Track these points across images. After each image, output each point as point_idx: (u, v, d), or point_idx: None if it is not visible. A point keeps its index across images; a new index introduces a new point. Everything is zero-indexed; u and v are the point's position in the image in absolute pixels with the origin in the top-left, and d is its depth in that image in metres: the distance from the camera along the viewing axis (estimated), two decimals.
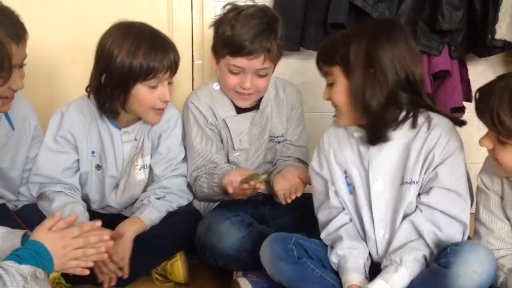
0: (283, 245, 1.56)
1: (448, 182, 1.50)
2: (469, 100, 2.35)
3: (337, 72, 1.53)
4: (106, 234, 1.40)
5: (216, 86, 2.00)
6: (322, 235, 1.63)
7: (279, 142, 2.04)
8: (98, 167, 1.92)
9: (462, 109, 2.32)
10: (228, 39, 1.83)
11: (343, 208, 1.62)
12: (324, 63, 1.58)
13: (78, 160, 1.89)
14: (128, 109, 1.83)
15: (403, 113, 1.52)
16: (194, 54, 2.39)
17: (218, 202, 1.99)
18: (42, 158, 1.87)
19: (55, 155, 1.87)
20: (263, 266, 1.62)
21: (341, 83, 1.53)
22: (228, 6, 1.91)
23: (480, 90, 1.42)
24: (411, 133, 1.54)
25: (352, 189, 1.60)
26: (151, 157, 1.94)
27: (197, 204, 2.05)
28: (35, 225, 1.37)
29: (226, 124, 1.97)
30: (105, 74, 1.77)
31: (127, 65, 1.73)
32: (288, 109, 2.04)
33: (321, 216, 1.65)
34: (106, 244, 1.39)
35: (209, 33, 2.31)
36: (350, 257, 1.55)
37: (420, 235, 1.50)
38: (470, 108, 2.35)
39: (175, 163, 1.96)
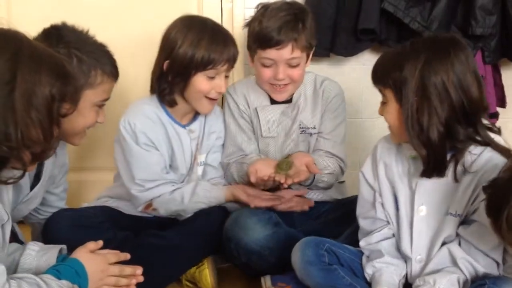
0: (314, 250, 1.55)
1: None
2: (503, 105, 2.32)
3: (389, 95, 1.48)
4: (140, 269, 1.44)
5: (254, 79, 2.08)
6: (362, 243, 1.61)
7: (311, 134, 2.04)
8: (169, 166, 1.97)
9: (495, 115, 2.28)
10: (257, 34, 1.91)
11: (388, 222, 1.59)
12: (376, 83, 1.53)
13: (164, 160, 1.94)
14: (186, 96, 1.88)
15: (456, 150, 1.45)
16: None
17: None
18: (139, 165, 1.89)
19: (150, 157, 1.89)
20: (285, 268, 1.63)
21: (393, 106, 1.47)
22: (260, 5, 1.98)
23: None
24: (466, 163, 1.46)
25: (396, 207, 1.58)
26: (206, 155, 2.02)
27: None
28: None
29: (257, 113, 2.03)
30: (168, 61, 1.84)
31: (189, 54, 1.81)
32: (324, 102, 2.05)
33: (363, 223, 1.63)
34: (137, 279, 1.43)
35: (239, 40, 2.34)
36: (386, 271, 1.53)
37: (456, 264, 1.46)
38: (503, 113, 2.32)
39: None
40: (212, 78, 1.84)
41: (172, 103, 1.91)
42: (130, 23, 2.12)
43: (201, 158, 2.01)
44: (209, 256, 1.88)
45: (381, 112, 1.54)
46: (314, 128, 2.05)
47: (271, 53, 1.90)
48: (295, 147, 2.04)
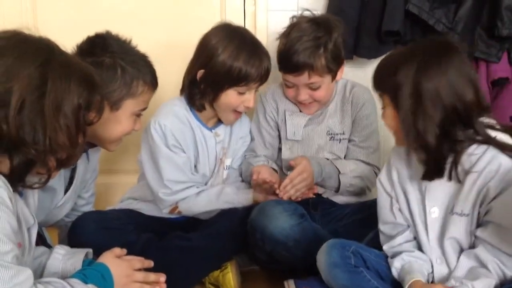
0: (340, 252, 1.54)
1: (503, 218, 1.41)
2: None
3: (387, 100, 1.49)
4: (163, 276, 1.45)
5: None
6: (385, 247, 1.60)
7: (340, 140, 2.05)
8: (194, 167, 1.98)
9: None
10: (279, 55, 1.95)
11: (408, 226, 1.58)
12: (375, 88, 1.55)
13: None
14: (214, 106, 1.90)
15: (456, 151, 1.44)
16: None
17: None
18: (168, 167, 1.89)
19: (178, 159, 1.90)
20: (311, 267, 1.62)
21: (391, 111, 1.48)
22: (294, 18, 1.99)
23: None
24: (468, 163, 1.45)
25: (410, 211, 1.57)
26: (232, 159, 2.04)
27: None
28: None
29: (285, 116, 2.05)
30: (203, 70, 1.84)
31: (227, 66, 1.80)
32: (353, 110, 2.05)
33: (384, 228, 1.62)
34: (161, 287, 1.44)
35: (262, 42, 2.33)
36: (416, 263, 1.52)
37: (485, 266, 1.43)
38: None
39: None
40: (242, 93, 1.86)
41: (200, 108, 1.93)
42: (152, 27, 2.13)
43: (228, 162, 2.02)
44: (233, 260, 1.88)
45: (382, 116, 1.54)
46: (343, 133, 2.06)
47: (289, 77, 1.94)
48: (318, 152, 2.05)
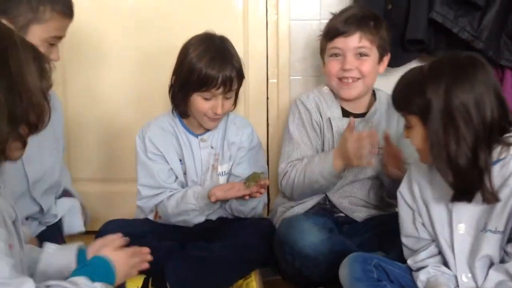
0: (362, 266, 1.52)
1: None
2: None
3: (415, 121, 1.44)
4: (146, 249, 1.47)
5: (326, 89, 2.05)
6: (409, 262, 1.57)
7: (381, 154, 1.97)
8: (184, 173, 1.99)
9: None
10: (327, 29, 1.98)
11: (433, 240, 1.55)
12: (399, 109, 1.50)
13: (172, 169, 1.97)
14: (189, 112, 1.92)
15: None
16: (268, 73, 2.40)
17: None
18: (143, 174, 1.96)
19: (153, 166, 1.95)
20: (334, 280, 1.59)
21: (419, 131, 1.44)
22: None
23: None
24: (500, 178, 1.41)
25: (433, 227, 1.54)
26: (230, 166, 2.00)
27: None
28: None
29: (331, 123, 1.99)
30: (175, 76, 1.90)
31: (190, 67, 1.82)
32: (399, 125, 1.97)
33: (407, 242, 1.60)
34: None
35: (284, 51, 2.35)
36: (442, 276, 1.49)
37: None
38: None
39: None
40: (208, 99, 1.86)
41: (183, 115, 1.96)
42: (175, 36, 2.10)
43: (223, 168, 2.00)
44: (257, 269, 1.87)
45: (407, 135, 1.50)
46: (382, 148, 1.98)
47: (339, 41, 1.91)
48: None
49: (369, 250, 1.68)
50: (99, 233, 1.83)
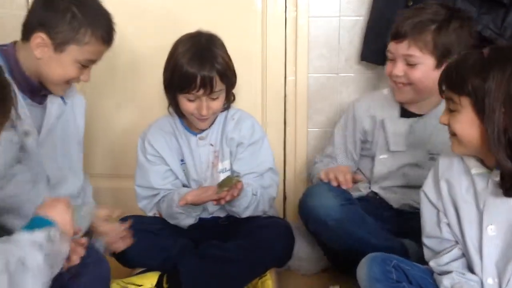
0: (381, 267, 1.48)
1: None
2: None
3: (465, 103, 1.36)
4: None
5: (386, 90, 2.03)
6: (432, 264, 1.51)
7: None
8: (186, 173, 2.00)
9: None
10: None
11: (456, 242, 1.50)
12: (448, 87, 1.42)
13: (171, 170, 1.97)
14: (182, 111, 1.91)
15: None
16: (286, 70, 2.38)
17: None
18: (139, 175, 1.99)
19: (149, 168, 1.97)
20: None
21: (468, 116, 1.36)
22: None
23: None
24: None
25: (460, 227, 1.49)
26: (231, 162, 1.98)
27: None
28: None
29: (384, 125, 1.98)
30: (164, 73, 1.89)
31: (174, 63, 1.81)
32: None
33: (429, 243, 1.54)
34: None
35: (302, 48, 2.32)
36: (467, 284, 1.43)
37: None
38: None
39: (259, 171, 1.96)
40: (192, 100, 1.84)
41: (179, 115, 1.95)
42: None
43: (224, 165, 1.98)
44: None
45: (447, 120, 1.43)
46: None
47: (392, 45, 1.87)
48: (411, 167, 1.96)
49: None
50: None
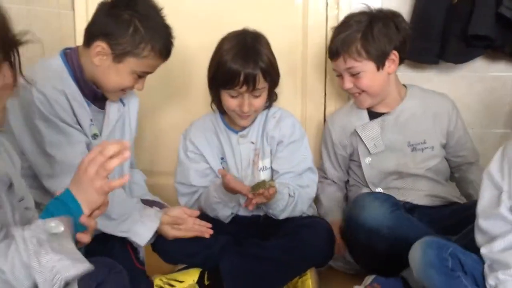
0: (437, 253, 1.45)
1: None
2: None
3: None
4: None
5: (352, 101, 2.11)
6: (483, 250, 1.44)
7: (422, 149, 2.02)
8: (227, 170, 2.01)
9: None
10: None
11: None
12: None
13: (211, 168, 1.99)
14: (224, 108, 1.93)
15: None
16: (327, 68, 2.36)
17: None
18: (179, 172, 2.02)
19: (190, 165, 1.99)
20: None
21: None
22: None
23: None
24: None
25: None
26: (271, 160, 1.99)
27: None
28: None
29: (356, 132, 2.04)
30: (208, 70, 1.90)
31: (219, 59, 1.84)
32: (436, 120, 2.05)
33: (485, 224, 1.45)
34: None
35: None
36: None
37: None
38: None
39: (297, 171, 1.96)
40: (235, 97, 1.85)
41: (222, 111, 1.98)
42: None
43: (264, 163, 1.98)
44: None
45: None
46: (424, 142, 2.03)
47: (333, 64, 2.02)
48: (397, 162, 2.02)
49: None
50: None
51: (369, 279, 1.75)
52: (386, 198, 1.85)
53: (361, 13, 1.97)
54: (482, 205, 1.48)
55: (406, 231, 1.73)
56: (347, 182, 2.19)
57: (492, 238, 1.43)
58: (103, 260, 1.36)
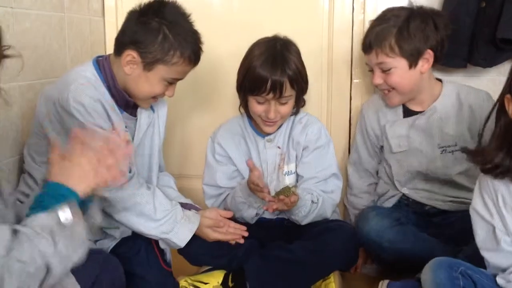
0: (448, 273, 1.44)
1: None
2: None
3: None
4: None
5: None
6: (500, 281, 1.44)
7: (452, 152, 1.99)
8: None
9: None
10: None
11: None
12: None
13: (238, 170, 2.02)
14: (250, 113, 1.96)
15: None
16: (352, 73, 2.36)
17: None
18: (207, 174, 2.06)
19: (217, 168, 2.02)
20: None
21: None
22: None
23: None
24: None
25: None
26: (296, 165, 2.00)
27: None
28: None
29: (385, 129, 2.06)
30: (238, 77, 1.92)
31: (248, 65, 1.85)
32: (471, 115, 2.00)
33: (490, 257, 1.47)
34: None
35: None
36: None
37: None
38: None
39: (322, 176, 1.97)
40: (261, 103, 1.86)
41: (250, 115, 1.99)
42: (256, 36, 2.14)
43: (289, 168, 1.99)
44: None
45: None
46: (455, 145, 1.99)
47: (365, 57, 2.00)
48: (427, 164, 2.01)
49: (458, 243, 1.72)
50: None
51: (383, 284, 1.76)
52: (388, 214, 1.97)
53: (401, 8, 1.93)
54: (480, 240, 1.48)
55: (409, 245, 1.80)
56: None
57: (503, 269, 1.44)
58: (98, 253, 1.49)
